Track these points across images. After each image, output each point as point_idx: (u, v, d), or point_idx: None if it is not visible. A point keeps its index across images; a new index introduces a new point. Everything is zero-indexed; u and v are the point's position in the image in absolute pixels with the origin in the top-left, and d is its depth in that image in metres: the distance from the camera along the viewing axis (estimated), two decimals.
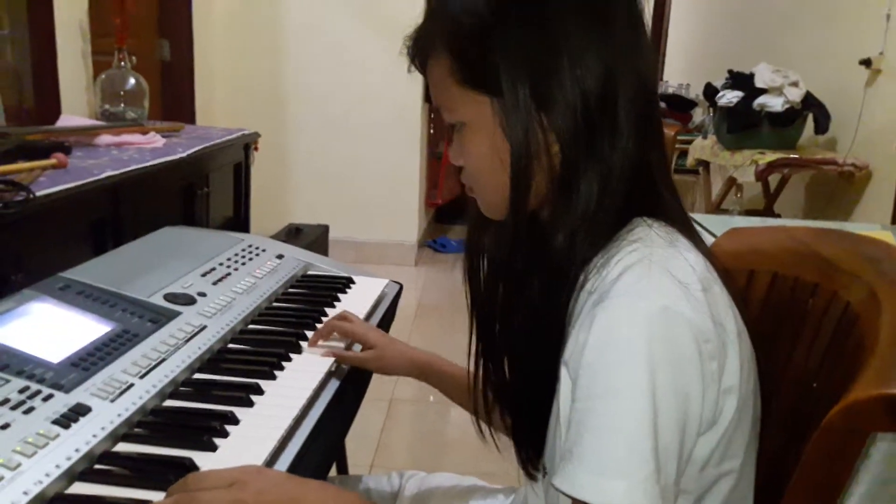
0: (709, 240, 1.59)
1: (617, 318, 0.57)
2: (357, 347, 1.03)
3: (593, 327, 0.57)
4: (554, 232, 0.65)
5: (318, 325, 1.06)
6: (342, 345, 1.03)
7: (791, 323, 0.79)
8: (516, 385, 0.74)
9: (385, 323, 1.21)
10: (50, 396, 0.74)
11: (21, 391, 0.73)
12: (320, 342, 1.01)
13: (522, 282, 0.69)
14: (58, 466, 0.65)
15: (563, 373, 0.61)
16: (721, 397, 0.60)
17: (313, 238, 2.52)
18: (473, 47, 0.65)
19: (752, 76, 3.07)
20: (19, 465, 0.64)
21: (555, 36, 0.63)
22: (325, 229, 2.73)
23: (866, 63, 2.85)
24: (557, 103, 0.63)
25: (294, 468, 0.74)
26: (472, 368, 0.79)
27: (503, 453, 0.84)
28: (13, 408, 0.71)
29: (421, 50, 0.70)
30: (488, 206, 0.71)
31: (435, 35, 0.68)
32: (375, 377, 1.07)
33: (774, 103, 2.96)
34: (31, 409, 0.71)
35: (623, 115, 0.64)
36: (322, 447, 0.83)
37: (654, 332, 0.55)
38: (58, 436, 0.69)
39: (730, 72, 3.25)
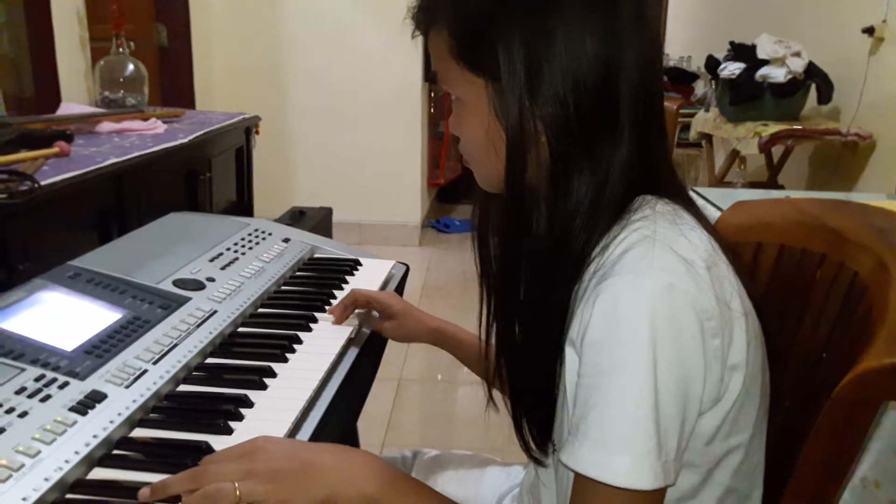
0: (714, 214, 1.59)
1: (620, 296, 0.57)
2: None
3: (597, 304, 0.57)
4: (549, 220, 0.65)
5: (328, 308, 1.07)
6: (358, 320, 1.04)
7: (799, 295, 0.79)
8: (520, 360, 0.73)
9: None
10: (66, 384, 0.75)
11: (37, 379, 0.74)
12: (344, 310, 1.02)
13: (525, 258, 0.68)
14: (77, 453, 0.66)
15: (569, 351, 0.61)
16: (726, 374, 0.60)
17: (317, 221, 2.52)
18: (474, 30, 0.64)
19: (753, 47, 3.04)
20: (39, 452, 0.65)
21: (553, 26, 0.62)
22: (328, 212, 2.73)
23: (869, 31, 2.81)
24: (546, 93, 0.62)
25: None
26: (483, 336, 0.79)
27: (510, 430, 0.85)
28: (30, 396, 0.72)
29: (423, 20, 0.70)
30: (482, 181, 0.72)
31: (438, 10, 0.68)
32: (384, 358, 1.08)
33: (777, 74, 2.93)
34: (47, 397, 0.72)
35: (624, 111, 0.63)
36: (336, 428, 0.84)
37: (657, 309, 0.56)
38: (75, 423, 0.70)
39: (731, 43, 3.22)
